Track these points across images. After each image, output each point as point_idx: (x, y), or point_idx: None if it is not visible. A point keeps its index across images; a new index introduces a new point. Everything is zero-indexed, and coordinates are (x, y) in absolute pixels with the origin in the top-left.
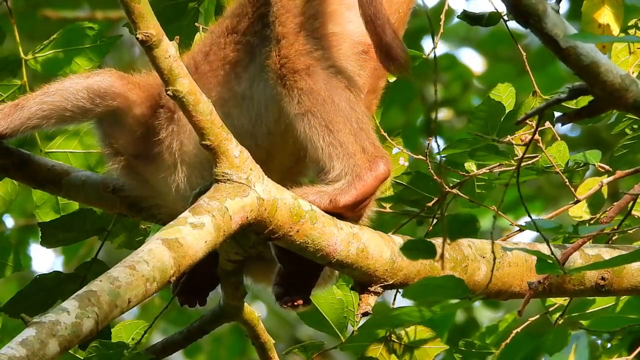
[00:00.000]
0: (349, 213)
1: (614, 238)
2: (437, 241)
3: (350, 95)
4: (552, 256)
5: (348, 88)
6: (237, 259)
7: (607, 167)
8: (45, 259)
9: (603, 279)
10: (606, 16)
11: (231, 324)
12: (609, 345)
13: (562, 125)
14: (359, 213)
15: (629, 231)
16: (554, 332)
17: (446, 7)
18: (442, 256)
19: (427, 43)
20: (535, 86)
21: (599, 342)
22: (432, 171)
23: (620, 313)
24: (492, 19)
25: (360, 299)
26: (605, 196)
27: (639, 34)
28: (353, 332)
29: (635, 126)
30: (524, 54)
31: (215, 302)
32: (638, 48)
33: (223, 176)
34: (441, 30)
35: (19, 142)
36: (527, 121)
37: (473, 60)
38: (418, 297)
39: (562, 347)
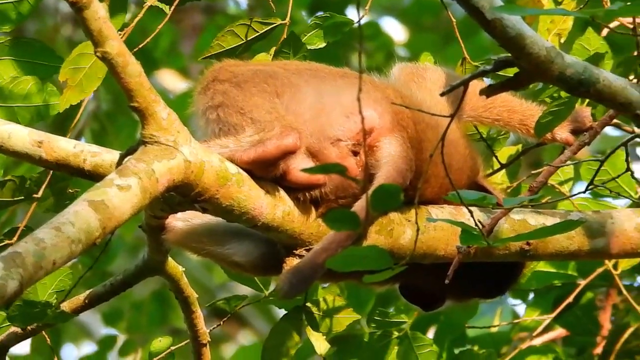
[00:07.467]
0: (256, 171)
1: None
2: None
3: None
4: (477, 227)
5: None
6: (162, 215)
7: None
8: None
9: (528, 244)
10: None
11: (152, 292)
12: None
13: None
14: (271, 173)
15: (551, 202)
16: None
17: None
18: (365, 227)
19: (352, 12)
20: (466, 53)
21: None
22: None
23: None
24: None
25: (285, 262)
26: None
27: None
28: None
29: (559, 94)
30: (454, 20)
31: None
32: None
33: (150, 138)
34: None
35: None
36: None
37: (396, 30)
38: (342, 268)
39: (471, 317)
